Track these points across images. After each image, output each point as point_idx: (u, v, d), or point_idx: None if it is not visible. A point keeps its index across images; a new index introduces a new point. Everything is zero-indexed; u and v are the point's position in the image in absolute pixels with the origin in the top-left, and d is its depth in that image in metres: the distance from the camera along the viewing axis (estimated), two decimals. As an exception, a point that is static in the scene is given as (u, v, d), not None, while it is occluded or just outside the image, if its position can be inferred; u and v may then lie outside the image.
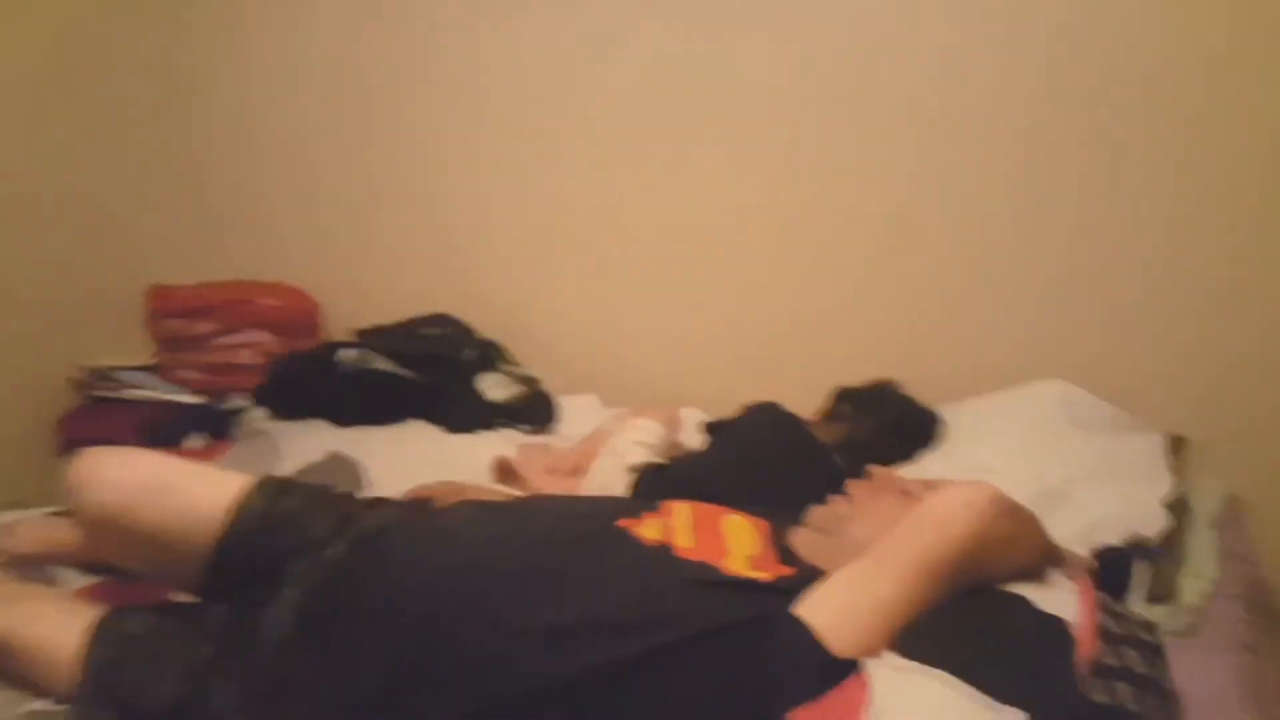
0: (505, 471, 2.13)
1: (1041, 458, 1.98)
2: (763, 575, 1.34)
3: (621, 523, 1.46)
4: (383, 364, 2.47)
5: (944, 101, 2.30)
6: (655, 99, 2.47)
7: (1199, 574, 1.69)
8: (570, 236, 2.63)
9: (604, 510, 1.51)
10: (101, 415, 2.57)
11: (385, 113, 2.67)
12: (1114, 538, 1.70)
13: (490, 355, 2.58)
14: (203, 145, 2.78)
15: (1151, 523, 1.77)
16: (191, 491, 1.42)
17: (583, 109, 2.54)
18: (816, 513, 1.51)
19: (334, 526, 1.44)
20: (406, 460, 2.22)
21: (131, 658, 1.34)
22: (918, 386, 2.22)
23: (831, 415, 2.15)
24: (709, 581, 1.31)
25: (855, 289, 2.45)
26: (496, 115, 2.59)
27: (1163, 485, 1.90)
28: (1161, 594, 1.60)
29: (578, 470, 2.08)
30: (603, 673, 1.20)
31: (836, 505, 1.52)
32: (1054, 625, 1.18)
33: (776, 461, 1.92)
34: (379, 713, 1.26)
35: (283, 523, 1.43)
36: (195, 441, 2.25)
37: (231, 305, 2.66)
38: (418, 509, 1.55)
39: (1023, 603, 1.22)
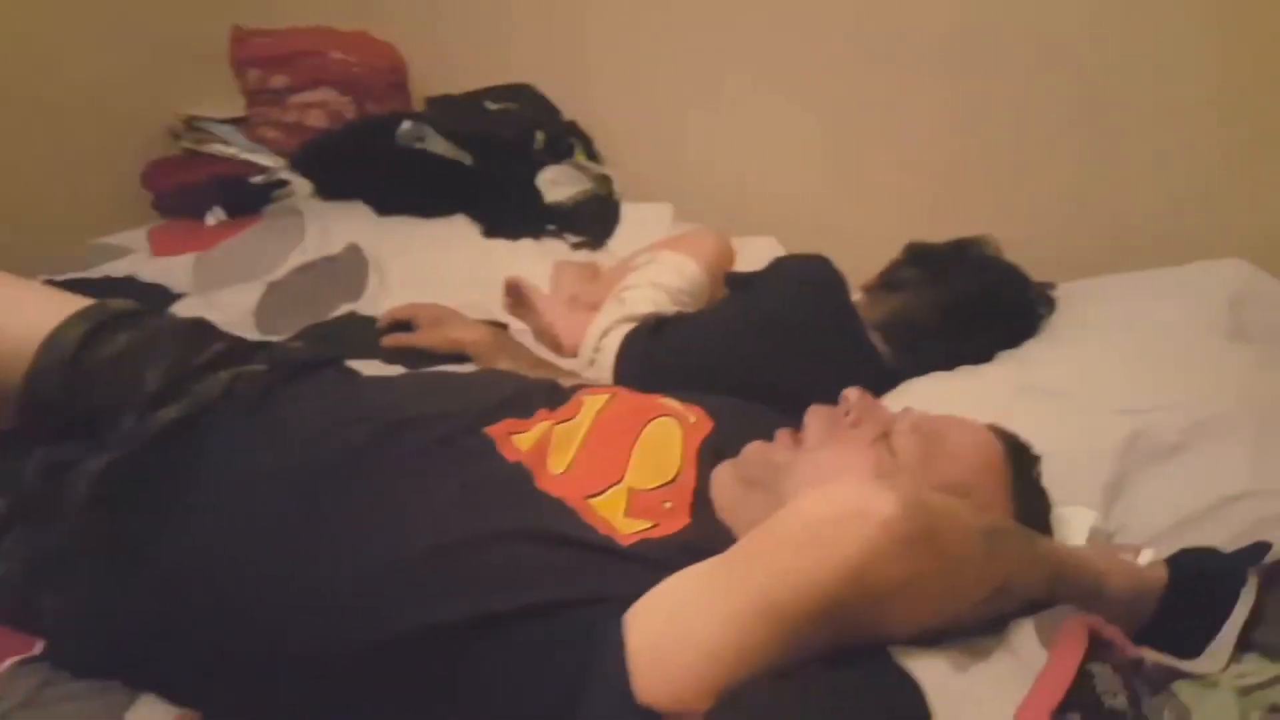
0: (516, 296, 1.79)
1: (1158, 382, 1.31)
2: (632, 529, 0.99)
3: (494, 429, 1.12)
4: (438, 144, 2.13)
5: None
6: None
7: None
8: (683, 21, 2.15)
9: (484, 406, 1.16)
10: (175, 169, 2.40)
11: None
12: (1225, 534, 1.12)
13: (564, 144, 2.18)
14: None
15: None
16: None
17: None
18: (750, 451, 1.10)
19: (175, 380, 1.18)
20: (428, 265, 1.94)
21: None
22: (1045, 259, 1.60)
23: (888, 281, 1.58)
24: (546, 534, 0.97)
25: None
26: None
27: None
28: (1262, 640, 1.05)
29: (597, 307, 1.73)
30: (375, 649, 0.93)
31: (776, 446, 1.10)
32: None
33: (790, 339, 1.45)
34: (149, 622, 1.04)
35: (106, 365, 1.18)
36: (212, 216, 2.04)
37: (303, 56, 2.34)
38: (285, 369, 1.26)
39: (905, 695, 0.78)
